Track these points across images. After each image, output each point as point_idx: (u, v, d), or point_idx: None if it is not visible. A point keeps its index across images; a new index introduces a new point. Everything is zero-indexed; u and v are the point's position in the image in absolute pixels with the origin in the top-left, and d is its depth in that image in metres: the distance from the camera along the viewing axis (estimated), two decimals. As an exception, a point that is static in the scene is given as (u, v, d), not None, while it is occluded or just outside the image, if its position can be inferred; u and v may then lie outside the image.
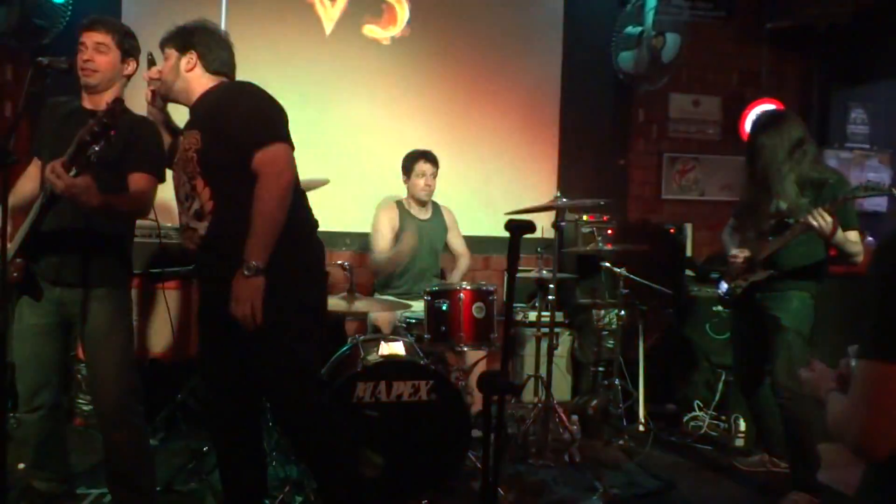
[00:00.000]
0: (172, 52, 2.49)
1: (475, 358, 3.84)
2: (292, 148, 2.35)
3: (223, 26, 4.74)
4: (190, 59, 2.46)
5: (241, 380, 2.45)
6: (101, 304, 2.55)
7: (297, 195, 2.38)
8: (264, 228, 2.23)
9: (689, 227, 5.21)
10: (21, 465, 2.74)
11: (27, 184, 2.67)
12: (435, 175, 4.16)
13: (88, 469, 3.21)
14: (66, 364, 2.74)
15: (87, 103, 2.62)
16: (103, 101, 2.55)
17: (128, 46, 2.65)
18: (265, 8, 4.84)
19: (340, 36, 4.94)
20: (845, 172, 4.32)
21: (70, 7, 4.28)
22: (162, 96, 2.56)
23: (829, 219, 3.03)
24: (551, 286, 3.81)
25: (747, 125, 5.28)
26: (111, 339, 2.57)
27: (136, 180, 2.54)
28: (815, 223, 3.04)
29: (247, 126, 2.31)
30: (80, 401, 3.98)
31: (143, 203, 2.56)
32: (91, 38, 2.58)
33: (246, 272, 2.21)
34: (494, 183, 5.11)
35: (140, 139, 2.58)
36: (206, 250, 2.35)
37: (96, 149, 2.30)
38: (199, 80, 2.47)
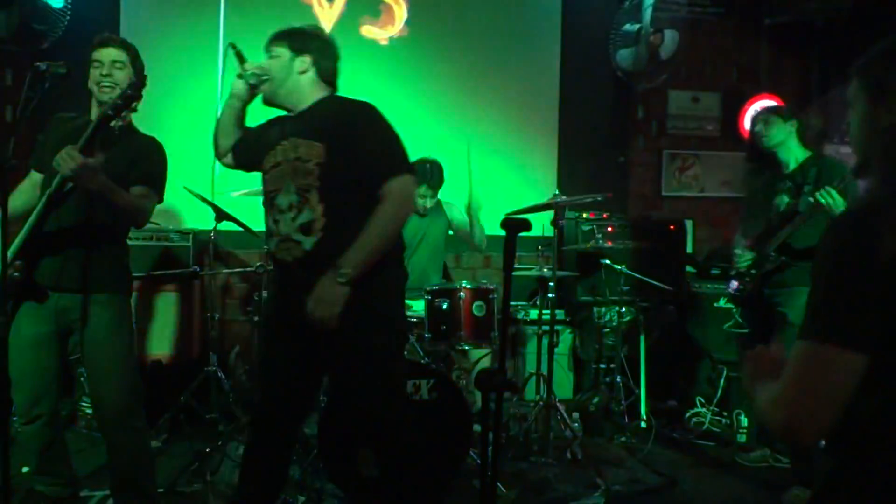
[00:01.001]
0: (284, 52, 2.45)
1: (476, 356, 3.85)
2: (411, 171, 2.39)
3: (221, 28, 4.76)
4: (304, 62, 2.44)
5: (303, 391, 2.49)
6: (102, 309, 2.55)
7: None
8: (372, 246, 2.28)
9: (689, 224, 5.22)
10: (25, 469, 2.76)
11: (20, 198, 2.64)
12: (434, 195, 4.05)
13: (92, 472, 3.23)
14: (67, 369, 2.72)
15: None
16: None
17: (139, 64, 2.67)
18: (263, 9, 4.84)
19: (339, 36, 4.89)
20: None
21: (69, 11, 4.30)
22: (266, 95, 2.50)
23: (838, 198, 3.01)
24: (551, 284, 3.82)
25: (747, 121, 5.29)
26: (112, 345, 2.57)
27: (137, 191, 2.56)
28: (822, 201, 3.03)
29: (383, 152, 2.33)
30: (84, 404, 4.00)
31: (141, 210, 2.56)
32: (108, 56, 2.58)
33: (339, 279, 2.23)
34: (494, 182, 5.11)
35: (146, 158, 2.61)
36: (308, 265, 2.33)
37: (120, 123, 2.39)
38: (310, 87, 2.45)
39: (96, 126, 2.34)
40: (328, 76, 2.49)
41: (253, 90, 2.50)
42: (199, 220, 4.20)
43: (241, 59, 2.50)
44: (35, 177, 2.67)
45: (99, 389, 2.60)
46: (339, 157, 2.32)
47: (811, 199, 3.11)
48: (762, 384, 1.26)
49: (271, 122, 2.58)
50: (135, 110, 2.46)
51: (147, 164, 2.61)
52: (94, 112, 2.62)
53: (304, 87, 2.45)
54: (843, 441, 1.19)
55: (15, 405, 2.59)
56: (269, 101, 2.51)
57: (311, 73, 2.45)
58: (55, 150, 2.50)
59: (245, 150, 2.59)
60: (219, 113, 2.60)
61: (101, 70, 2.57)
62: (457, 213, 4.19)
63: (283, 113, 2.54)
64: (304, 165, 2.33)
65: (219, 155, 2.65)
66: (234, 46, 2.51)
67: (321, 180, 2.31)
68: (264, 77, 2.45)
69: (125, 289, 2.67)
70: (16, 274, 2.40)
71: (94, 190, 2.38)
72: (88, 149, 2.34)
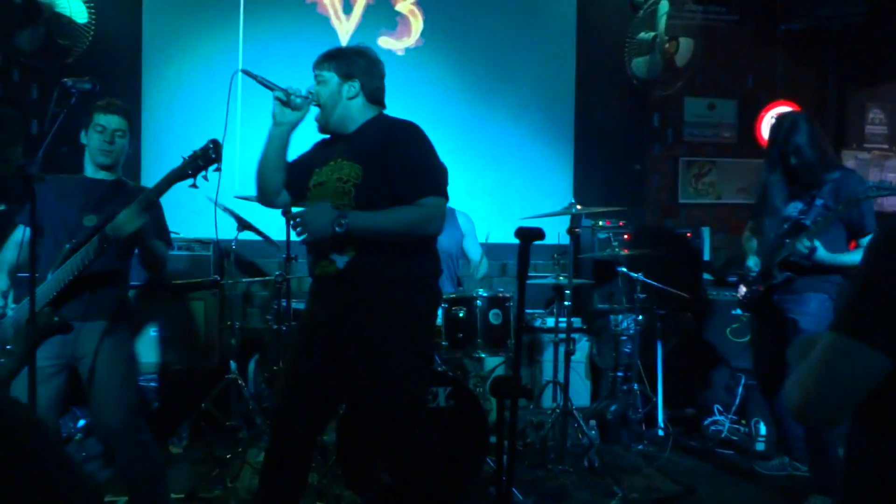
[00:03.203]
0: (332, 78, 2.45)
1: (493, 364, 3.87)
2: (447, 198, 2.42)
3: (241, 41, 4.85)
4: (353, 86, 2.45)
5: (325, 400, 2.52)
6: (100, 336, 2.60)
7: (429, 246, 2.48)
8: (379, 224, 2.30)
9: (706, 231, 5.21)
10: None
11: (12, 252, 2.69)
12: None
13: (115, 477, 3.28)
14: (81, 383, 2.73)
15: (93, 173, 2.73)
16: (109, 172, 2.73)
17: (133, 129, 2.79)
18: (282, 21, 4.93)
19: (356, 48, 5.00)
20: (864, 174, 4.32)
21: (93, 27, 4.39)
22: (319, 124, 2.51)
23: (808, 243, 3.16)
24: (568, 292, 3.83)
25: (763, 128, 5.28)
26: (110, 368, 2.61)
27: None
28: (802, 250, 3.17)
29: (419, 172, 2.35)
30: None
31: (167, 261, 2.76)
32: (111, 123, 2.68)
33: (337, 227, 2.25)
34: (510, 190, 5.14)
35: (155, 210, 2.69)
36: (341, 283, 2.38)
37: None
38: (360, 110, 2.47)
39: (165, 183, 2.44)
40: (376, 96, 2.51)
41: (299, 113, 2.46)
42: (220, 229, 4.26)
43: (267, 84, 2.45)
44: (18, 235, 2.71)
45: (100, 411, 2.64)
46: (374, 178, 2.35)
47: (819, 219, 3.17)
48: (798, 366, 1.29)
49: (320, 145, 2.60)
50: (218, 169, 2.47)
51: (158, 217, 2.75)
52: (89, 169, 2.72)
53: (354, 111, 2.47)
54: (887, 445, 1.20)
55: None
56: (322, 129, 2.53)
57: (360, 97, 2.47)
58: (55, 211, 2.61)
59: (299, 178, 2.53)
60: (262, 149, 2.49)
61: (103, 136, 2.67)
62: (469, 227, 4.25)
63: (325, 136, 2.58)
64: (343, 186, 2.37)
65: (270, 195, 2.54)
66: (247, 72, 2.45)
67: (356, 201, 2.35)
68: (312, 100, 2.45)
69: (123, 316, 2.72)
70: (55, 319, 2.46)
71: (140, 246, 2.58)
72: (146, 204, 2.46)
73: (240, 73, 2.45)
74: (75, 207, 2.63)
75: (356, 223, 2.28)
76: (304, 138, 2.62)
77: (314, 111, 2.50)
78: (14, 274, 2.67)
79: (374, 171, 2.36)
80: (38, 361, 2.52)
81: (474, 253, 4.29)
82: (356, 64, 2.47)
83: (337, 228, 2.26)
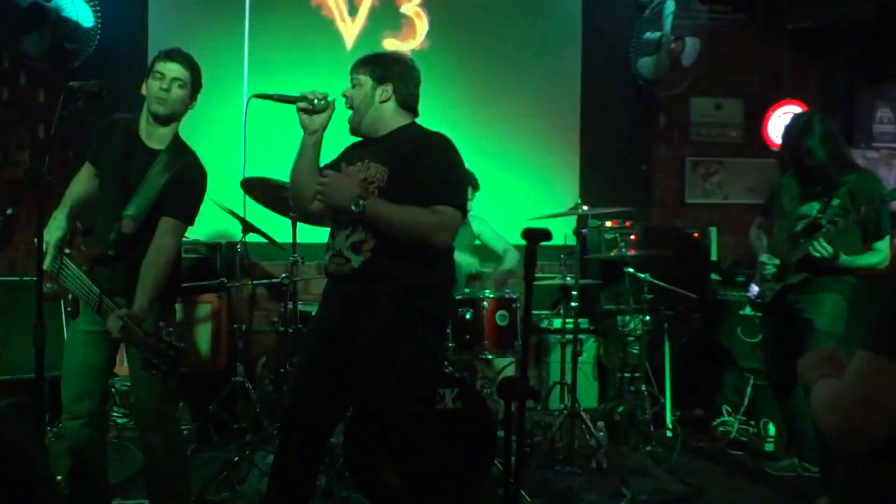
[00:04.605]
0: (366, 81, 2.47)
1: (501, 365, 3.86)
2: (464, 216, 2.46)
3: (246, 42, 4.86)
4: (386, 90, 2.46)
5: (336, 401, 2.52)
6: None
7: (445, 255, 2.48)
8: (394, 216, 2.31)
9: (713, 231, 5.19)
10: (59, 478, 2.82)
11: (78, 186, 2.72)
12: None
13: (124, 480, 3.29)
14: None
15: (144, 135, 2.65)
16: (162, 133, 2.64)
17: (198, 85, 2.70)
18: (287, 24, 4.94)
19: (361, 50, 4.95)
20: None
21: (99, 30, 4.41)
22: (351, 126, 2.52)
23: (829, 248, 3.14)
24: (575, 293, 3.82)
25: (770, 127, 5.26)
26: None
27: (164, 226, 2.59)
28: (816, 254, 3.15)
29: (441, 182, 2.37)
30: (115, 413, 4.07)
31: (167, 263, 2.58)
32: (171, 70, 2.60)
33: (354, 206, 2.28)
34: (516, 191, 5.13)
35: (186, 188, 2.64)
36: (355, 283, 2.40)
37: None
38: (392, 114, 2.48)
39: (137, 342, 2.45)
40: (409, 103, 2.52)
41: (328, 112, 2.47)
42: (228, 231, 4.28)
43: (284, 99, 2.47)
44: (91, 167, 2.73)
45: (136, 390, 2.69)
46: (398, 183, 2.37)
47: (836, 221, 3.17)
48: (821, 381, 1.27)
49: (351, 147, 2.61)
50: None
51: (183, 194, 2.63)
52: (143, 125, 2.65)
53: (386, 115, 2.48)
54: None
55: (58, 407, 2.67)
56: (354, 131, 2.54)
57: (392, 102, 2.48)
58: (112, 159, 2.62)
59: None
60: (297, 158, 2.49)
61: (161, 83, 2.58)
62: (483, 227, 4.21)
63: (355, 140, 2.59)
64: (368, 187, 2.39)
65: (305, 202, 2.51)
66: (260, 95, 2.46)
67: None
68: (329, 98, 2.45)
69: (167, 298, 2.70)
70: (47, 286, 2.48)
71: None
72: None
73: (251, 98, 2.48)
74: (116, 169, 2.60)
75: (373, 209, 2.30)
76: (335, 140, 2.63)
77: (347, 113, 2.52)
78: (75, 210, 2.64)
79: (400, 176, 2.38)
80: (84, 325, 2.62)
81: (498, 246, 4.18)
82: (391, 69, 2.49)
83: (354, 207, 2.29)
